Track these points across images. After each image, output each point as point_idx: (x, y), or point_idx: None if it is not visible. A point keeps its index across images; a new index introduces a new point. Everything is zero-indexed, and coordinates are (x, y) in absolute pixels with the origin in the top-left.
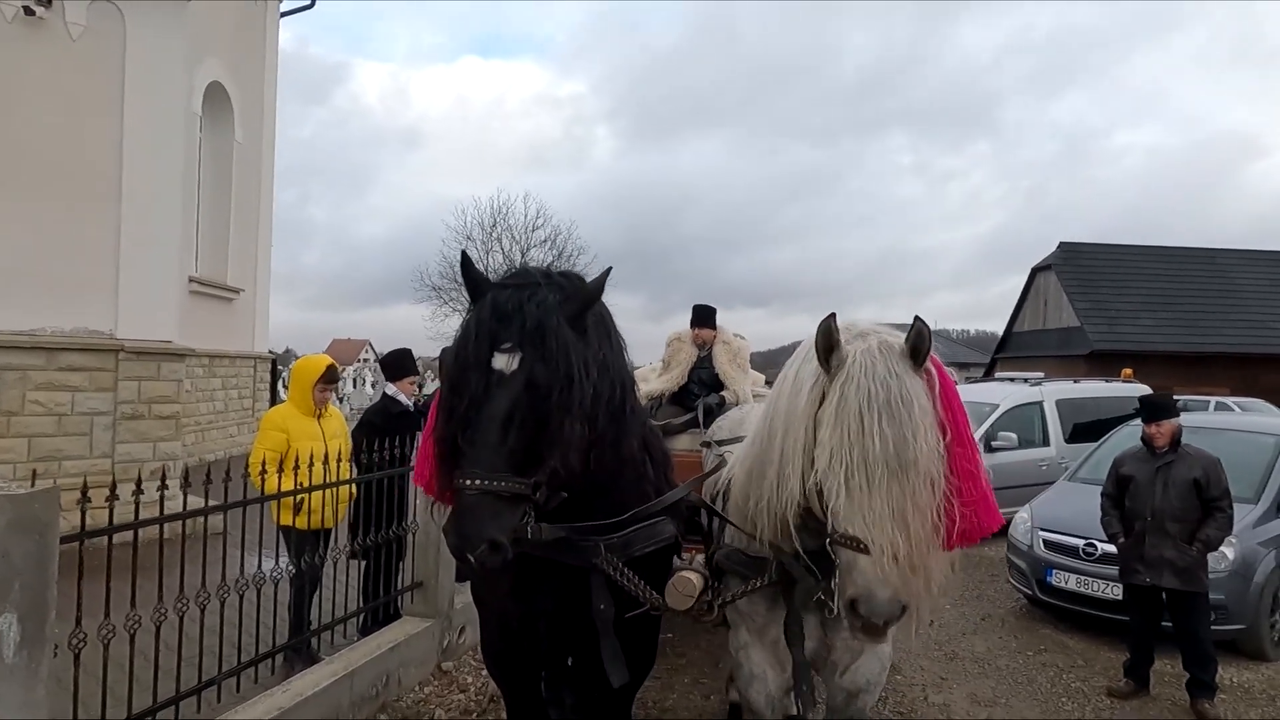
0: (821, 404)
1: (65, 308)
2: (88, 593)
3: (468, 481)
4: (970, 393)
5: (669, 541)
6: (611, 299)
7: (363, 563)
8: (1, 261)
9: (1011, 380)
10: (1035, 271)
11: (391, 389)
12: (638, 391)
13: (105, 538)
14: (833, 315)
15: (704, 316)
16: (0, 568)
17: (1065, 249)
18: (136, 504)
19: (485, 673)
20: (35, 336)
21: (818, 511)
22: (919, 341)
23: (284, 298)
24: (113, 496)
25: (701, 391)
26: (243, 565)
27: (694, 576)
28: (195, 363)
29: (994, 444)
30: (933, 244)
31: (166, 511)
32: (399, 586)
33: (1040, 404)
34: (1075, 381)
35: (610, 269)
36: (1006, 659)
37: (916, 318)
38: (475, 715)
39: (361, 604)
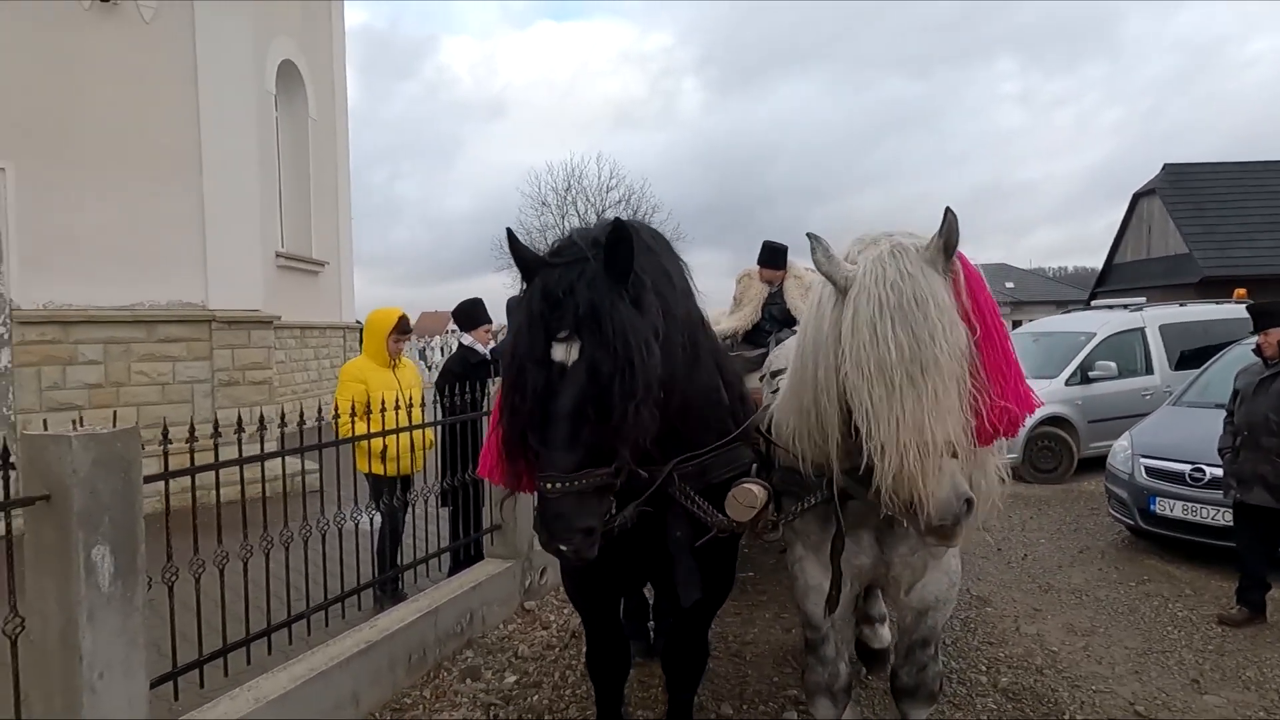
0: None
1: (159, 282)
2: (182, 535)
3: (548, 485)
4: (1064, 322)
5: (746, 467)
6: (698, 255)
7: (448, 509)
8: (99, 240)
9: (1110, 308)
10: (1137, 197)
11: (468, 339)
12: (706, 319)
13: (189, 477)
14: (811, 235)
15: (774, 256)
16: (90, 503)
17: (1170, 171)
18: (215, 446)
19: (567, 610)
20: (135, 311)
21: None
22: (949, 236)
23: (376, 274)
24: (191, 439)
25: (774, 328)
26: (323, 508)
27: (755, 488)
28: (288, 334)
29: (1091, 374)
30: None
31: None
32: (480, 529)
33: (1142, 330)
34: (1181, 305)
35: (621, 220)
36: (1106, 590)
37: (948, 209)
38: (557, 650)
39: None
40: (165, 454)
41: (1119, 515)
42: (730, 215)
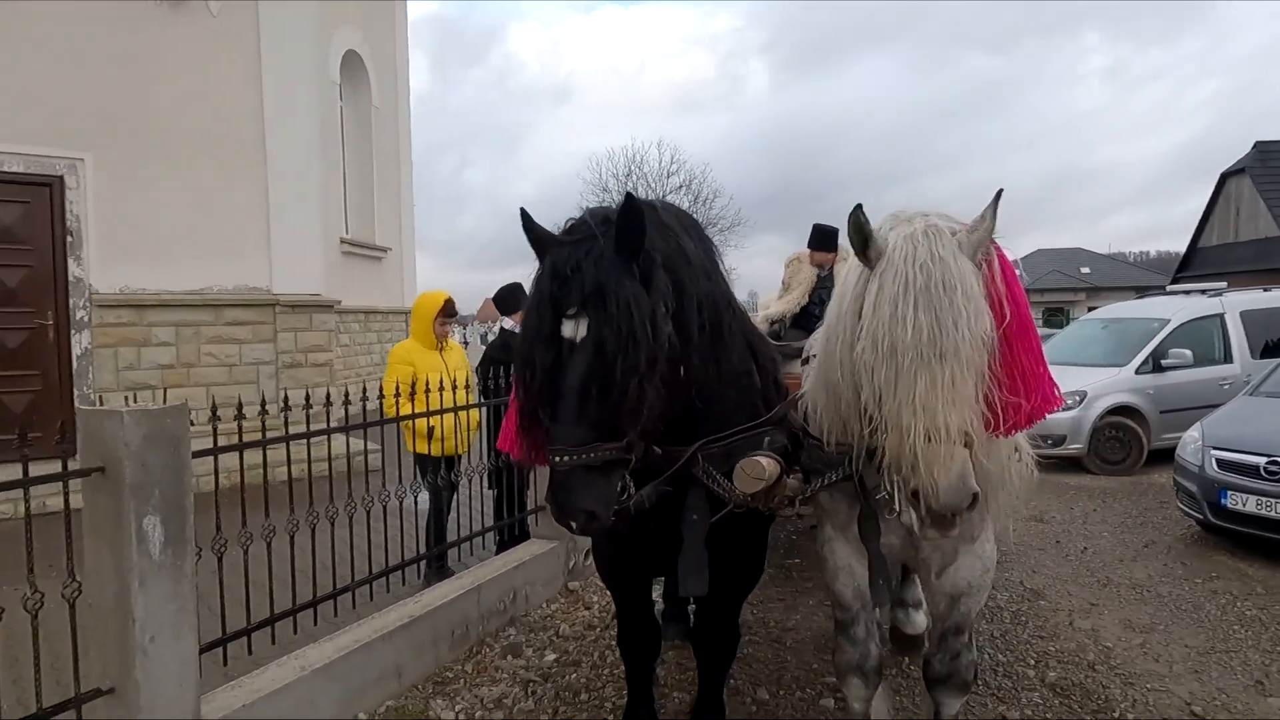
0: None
1: (227, 267)
2: (237, 509)
3: (557, 458)
4: (1137, 308)
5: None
6: (761, 240)
7: (494, 491)
8: (170, 227)
9: (1186, 293)
10: (1225, 177)
11: (509, 323)
12: (735, 301)
13: (238, 453)
14: (859, 206)
15: (825, 239)
16: (141, 475)
17: (1261, 149)
18: (263, 424)
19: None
20: (203, 295)
21: (870, 404)
22: (993, 223)
23: (445, 260)
24: (240, 415)
25: (823, 312)
26: (384, 485)
27: (765, 460)
28: (351, 318)
29: (1164, 362)
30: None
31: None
32: (525, 509)
33: (1221, 316)
34: (1266, 290)
35: (630, 195)
36: (1170, 586)
37: (999, 191)
38: (598, 630)
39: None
40: (214, 431)
41: (1187, 509)
42: (795, 200)
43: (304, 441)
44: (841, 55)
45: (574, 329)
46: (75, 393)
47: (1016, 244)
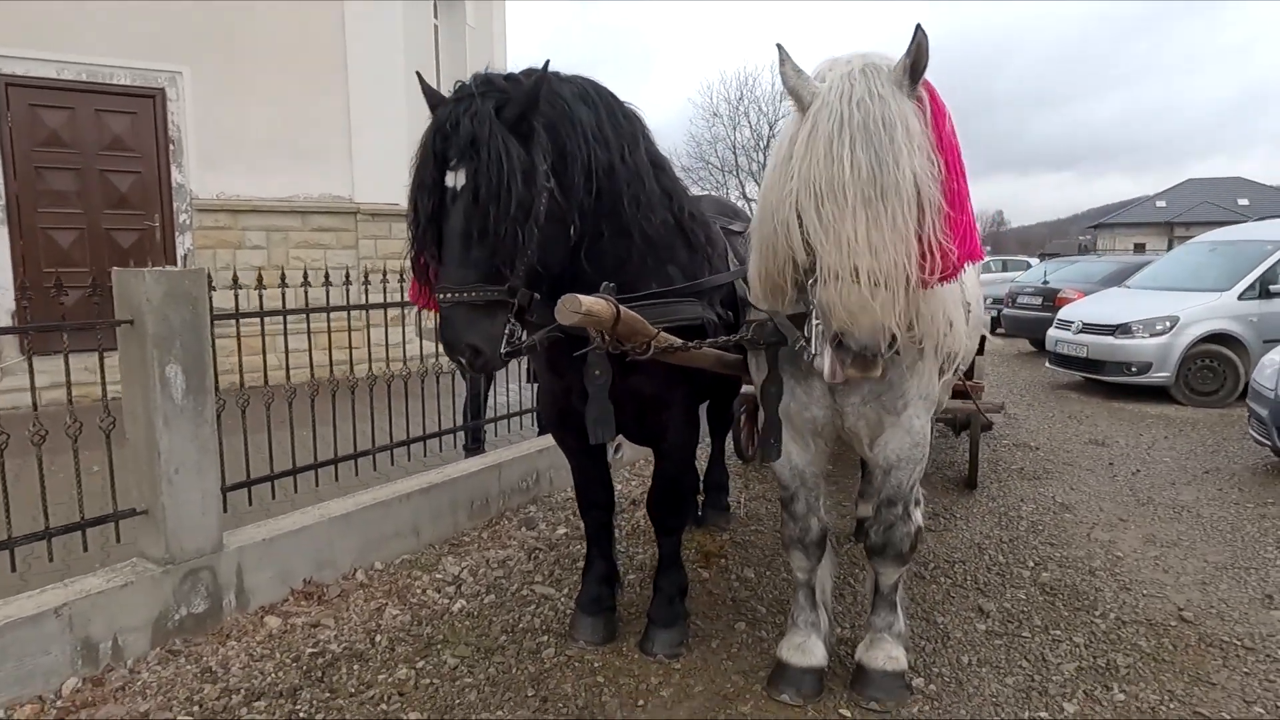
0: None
1: (313, 176)
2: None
3: (441, 295)
4: (1251, 230)
5: (690, 321)
6: None
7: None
8: (258, 136)
9: None
10: None
11: None
12: (645, 176)
13: (259, 319)
14: (779, 45)
15: None
16: (163, 328)
17: None
18: (283, 296)
19: (634, 483)
20: (291, 202)
21: (800, 253)
22: (918, 56)
23: None
24: (260, 286)
25: None
26: (407, 366)
27: (584, 298)
28: None
29: (1273, 288)
30: None
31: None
32: None
33: None
34: None
35: (547, 61)
36: (1214, 509)
37: (917, 27)
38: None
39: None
40: (236, 296)
41: (1258, 436)
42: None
43: (323, 316)
44: None
45: (453, 179)
46: None
47: (1195, 169)
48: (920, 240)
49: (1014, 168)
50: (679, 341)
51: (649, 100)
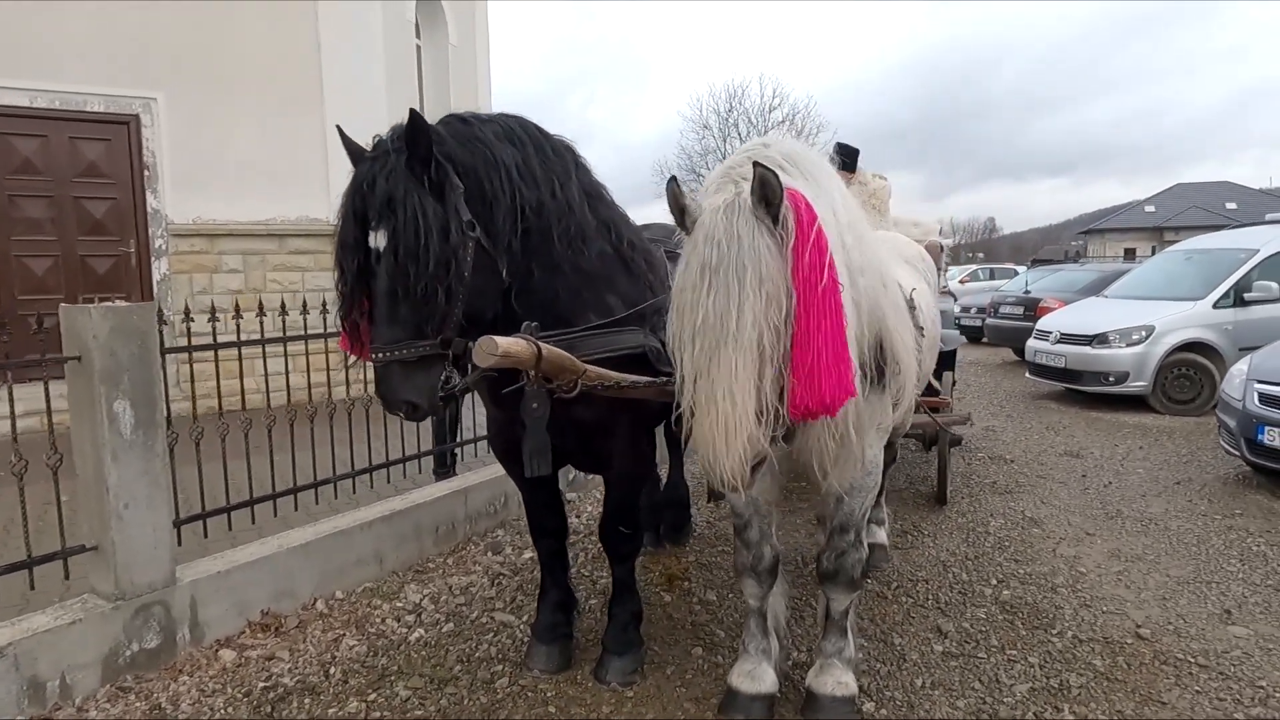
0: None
1: (290, 200)
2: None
3: (375, 355)
4: (1225, 238)
5: (632, 350)
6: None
7: None
8: (233, 160)
9: None
10: None
11: None
12: (574, 208)
13: (212, 351)
14: (672, 179)
15: (844, 159)
16: (110, 363)
17: None
18: (238, 327)
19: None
20: (268, 225)
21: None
22: (764, 191)
23: None
24: (214, 318)
25: None
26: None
27: (501, 340)
28: None
29: (1247, 296)
30: None
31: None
32: None
33: None
34: None
35: (412, 110)
36: (1182, 521)
37: (754, 164)
38: (582, 536)
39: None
40: (188, 330)
41: (1227, 446)
42: (929, 134)
43: (279, 345)
44: None
45: (376, 239)
46: None
47: (1188, 174)
48: (757, 392)
49: (1009, 174)
50: (610, 378)
51: (644, 113)
